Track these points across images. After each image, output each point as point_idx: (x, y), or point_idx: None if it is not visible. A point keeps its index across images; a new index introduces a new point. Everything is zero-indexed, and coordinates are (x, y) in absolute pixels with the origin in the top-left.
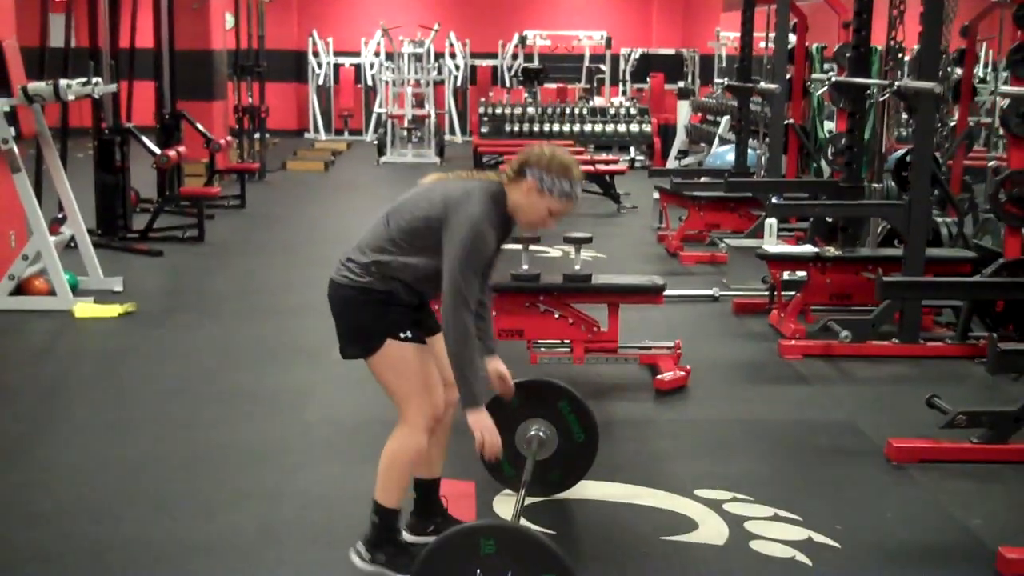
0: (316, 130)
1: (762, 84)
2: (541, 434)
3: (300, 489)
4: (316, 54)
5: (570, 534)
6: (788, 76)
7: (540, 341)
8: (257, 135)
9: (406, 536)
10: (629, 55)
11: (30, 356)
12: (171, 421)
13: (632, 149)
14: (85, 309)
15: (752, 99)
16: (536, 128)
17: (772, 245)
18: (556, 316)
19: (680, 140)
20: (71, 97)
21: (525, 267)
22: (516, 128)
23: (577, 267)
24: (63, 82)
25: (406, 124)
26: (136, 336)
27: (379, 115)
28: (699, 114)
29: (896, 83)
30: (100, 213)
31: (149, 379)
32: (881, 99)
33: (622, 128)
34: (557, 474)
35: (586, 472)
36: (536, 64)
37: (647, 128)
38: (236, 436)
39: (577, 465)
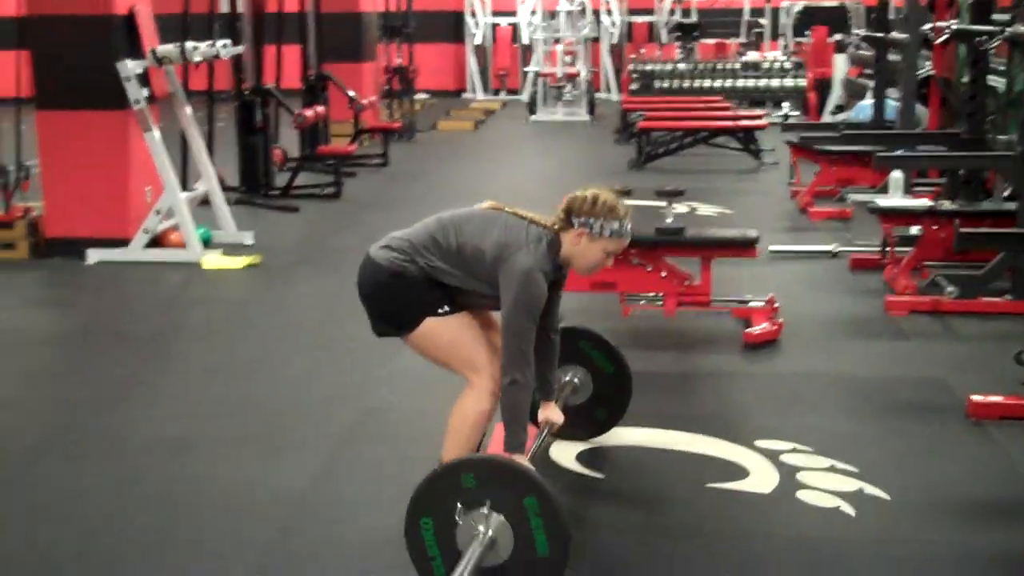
0: (473, 90)
1: (893, 33)
2: (576, 380)
3: (385, 431)
4: (473, 14)
5: (618, 478)
6: (929, 25)
7: (632, 294)
8: (406, 96)
9: None
10: (790, 8)
11: (153, 304)
12: (271, 366)
13: (785, 105)
14: (212, 261)
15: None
16: (687, 84)
17: (886, 198)
18: (648, 269)
19: (836, 95)
20: (197, 59)
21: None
22: (666, 85)
23: (669, 220)
24: (189, 44)
25: (557, 82)
26: (255, 286)
27: (531, 74)
28: (859, 67)
29: (1007, 29)
30: (243, 171)
31: (259, 327)
32: (991, 46)
33: (775, 83)
34: (602, 412)
35: (628, 402)
36: (692, 19)
37: (802, 83)
38: (330, 380)
39: (616, 398)
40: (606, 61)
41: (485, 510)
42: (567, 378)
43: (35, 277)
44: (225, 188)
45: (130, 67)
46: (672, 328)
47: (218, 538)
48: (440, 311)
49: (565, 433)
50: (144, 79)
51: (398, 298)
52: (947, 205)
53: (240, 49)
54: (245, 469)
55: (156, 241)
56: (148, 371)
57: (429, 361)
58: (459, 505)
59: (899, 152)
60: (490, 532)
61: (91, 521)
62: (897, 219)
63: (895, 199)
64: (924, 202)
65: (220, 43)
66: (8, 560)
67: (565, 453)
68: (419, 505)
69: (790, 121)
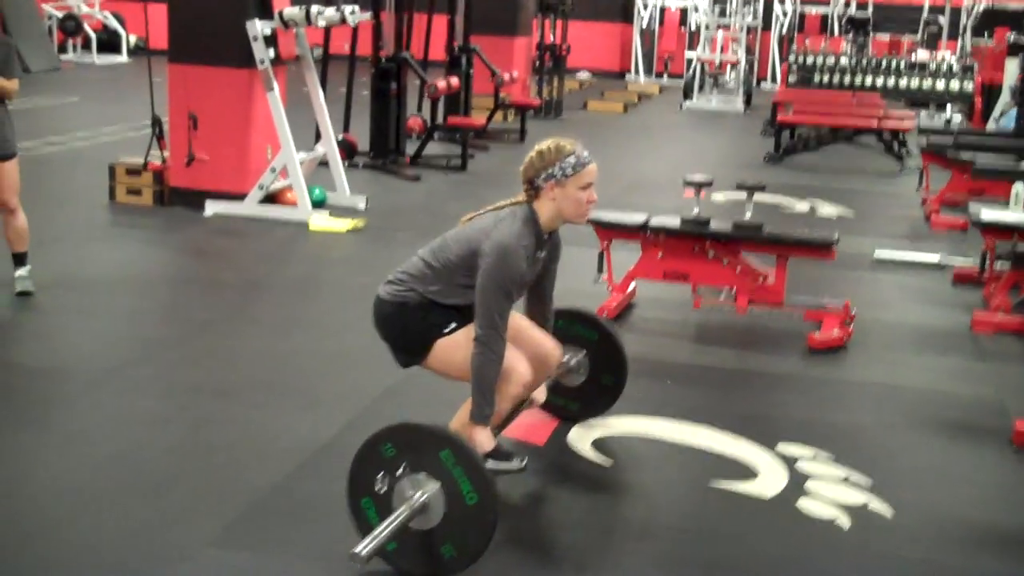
0: (636, 72)
1: None
2: (572, 362)
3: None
4: None
5: (625, 469)
6: None
7: (704, 287)
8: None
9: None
10: (972, 8)
11: (252, 258)
12: (335, 323)
13: (949, 108)
14: (320, 222)
15: None
16: (847, 80)
17: (989, 211)
18: (724, 263)
19: (1004, 100)
20: (322, 23)
21: (696, 211)
22: (826, 79)
23: (747, 215)
24: (314, 8)
25: (712, 70)
26: (353, 248)
27: (690, 59)
28: None
29: None
30: (373, 137)
31: (339, 287)
32: None
33: (940, 85)
34: (608, 377)
35: (625, 358)
36: (866, 13)
37: (969, 87)
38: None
39: (614, 359)
40: (775, 50)
41: (406, 473)
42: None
43: (154, 224)
44: (356, 152)
45: (258, 27)
46: (741, 325)
47: (224, 479)
48: (447, 330)
49: (589, 412)
50: (271, 40)
51: (406, 327)
52: None
53: (366, 16)
54: (278, 417)
55: (272, 198)
56: (223, 319)
57: (454, 381)
58: (385, 475)
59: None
60: (419, 492)
61: (108, 453)
62: (999, 233)
63: (1001, 212)
64: None
65: (347, 9)
66: (33, 483)
67: (583, 439)
68: (354, 487)
69: (951, 126)
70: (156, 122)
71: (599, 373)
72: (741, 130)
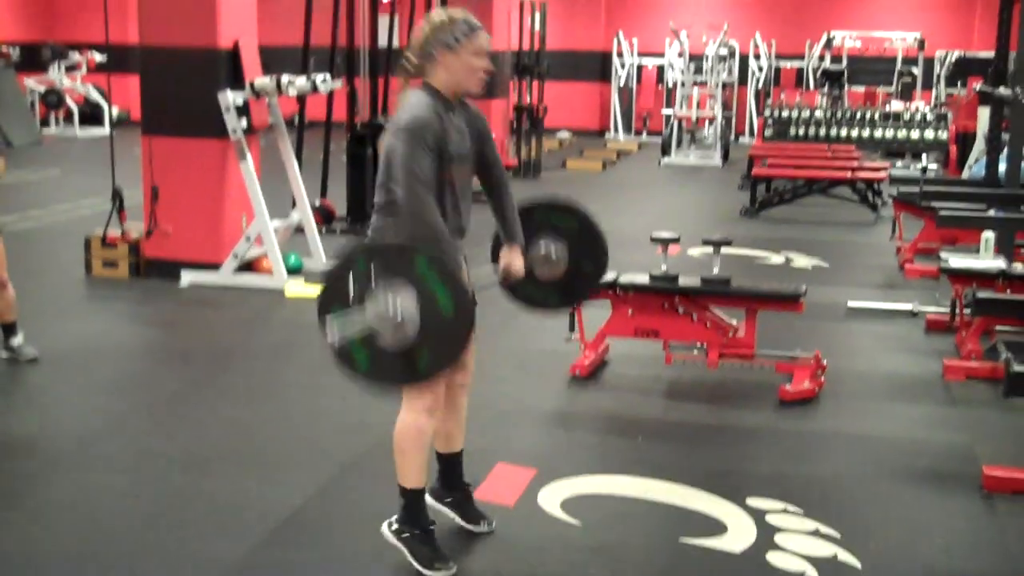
0: (616, 130)
1: (1001, 89)
2: (549, 250)
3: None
4: (620, 55)
5: (595, 528)
6: None
7: (675, 343)
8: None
9: (428, 499)
10: (945, 57)
11: (226, 327)
12: (305, 391)
13: (924, 157)
14: (295, 288)
15: None
16: (822, 132)
17: (957, 258)
18: (693, 318)
19: (978, 148)
20: (293, 92)
21: (664, 268)
22: (801, 132)
23: (715, 270)
24: (284, 78)
25: (689, 126)
26: None
27: (668, 116)
28: (1006, 121)
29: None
30: (350, 202)
31: (313, 352)
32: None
33: (915, 135)
34: (588, 264)
35: (605, 247)
36: (840, 66)
37: (943, 136)
38: (355, 409)
39: (593, 246)
40: (751, 105)
41: (380, 282)
42: (541, 252)
43: (130, 295)
44: (333, 218)
45: (230, 97)
46: (713, 379)
47: (193, 552)
48: None
49: (568, 300)
50: (243, 109)
51: None
52: (1020, 268)
53: (337, 84)
54: (246, 488)
55: (248, 266)
56: (193, 389)
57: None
58: (358, 285)
59: (991, 213)
60: (394, 296)
61: (78, 528)
62: (968, 280)
63: (968, 259)
64: (998, 264)
65: (319, 77)
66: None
67: (552, 499)
68: (324, 302)
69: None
70: (117, 194)
71: (579, 261)
72: (719, 184)
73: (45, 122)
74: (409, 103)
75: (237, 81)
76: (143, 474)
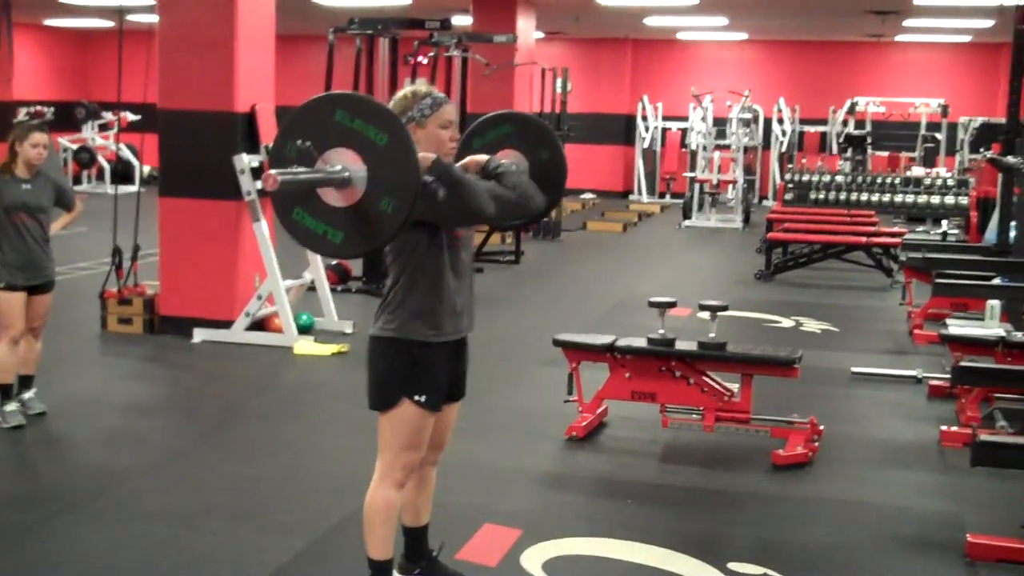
0: (639, 192)
1: (1009, 158)
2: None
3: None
4: (645, 118)
5: None
6: None
7: (672, 406)
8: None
9: (395, 574)
10: (968, 123)
11: (234, 384)
12: (304, 449)
13: (945, 223)
14: (304, 347)
15: None
16: (843, 196)
17: (957, 325)
18: (689, 383)
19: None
20: None
21: (661, 332)
22: (822, 196)
23: (712, 335)
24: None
25: (709, 189)
26: (336, 372)
27: (689, 179)
28: None
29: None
30: (365, 262)
31: (318, 411)
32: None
33: (936, 200)
34: (545, 152)
35: (550, 131)
36: (863, 131)
37: (964, 201)
38: (351, 468)
39: (540, 136)
40: (775, 169)
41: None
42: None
43: (142, 352)
44: (349, 277)
45: (245, 161)
46: (709, 443)
47: None
48: (417, 397)
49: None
50: (258, 172)
51: (386, 365)
52: (1019, 336)
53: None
54: (233, 544)
55: (260, 324)
56: (195, 446)
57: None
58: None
59: (996, 281)
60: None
61: None
62: (967, 348)
63: (969, 327)
64: (997, 332)
65: None
66: None
67: (534, 560)
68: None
69: (948, 240)
70: (116, 252)
71: (536, 152)
72: (738, 247)
73: (77, 180)
74: None
75: (253, 144)
76: (136, 528)
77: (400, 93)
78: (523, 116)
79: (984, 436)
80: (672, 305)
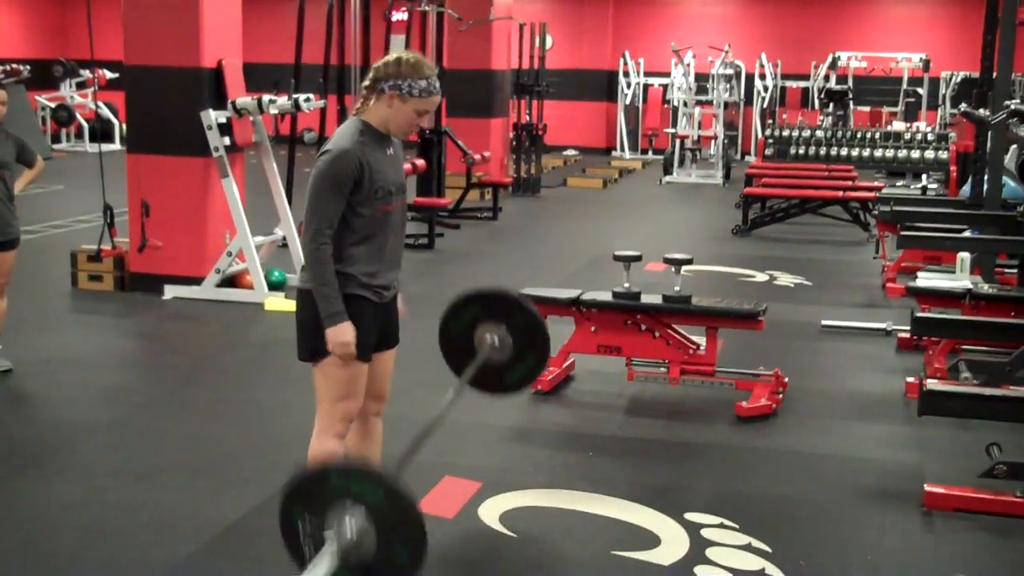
0: (622, 148)
1: (981, 111)
2: (497, 338)
3: None
4: (627, 74)
5: (529, 540)
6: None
7: (638, 360)
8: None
9: None
10: (950, 78)
11: (202, 341)
12: (266, 404)
13: (925, 177)
14: (275, 303)
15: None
16: (822, 151)
17: (929, 278)
18: (655, 336)
19: None
20: (274, 111)
21: (626, 285)
22: (801, 151)
23: (677, 288)
24: (266, 97)
25: (690, 144)
26: None
27: (671, 135)
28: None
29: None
30: None
31: (284, 368)
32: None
33: (916, 154)
34: (532, 359)
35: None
36: (845, 86)
37: (944, 155)
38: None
39: (539, 338)
40: (757, 125)
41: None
42: (487, 337)
43: (113, 309)
44: None
45: (212, 116)
46: (675, 396)
47: (123, 561)
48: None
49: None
50: (226, 128)
51: (313, 314)
52: (986, 288)
53: (320, 103)
54: (191, 500)
55: (232, 281)
56: (159, 402)
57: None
58: (308, 538)
59: (966, 233)
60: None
61: (21, 535)
62: (934, 300)
63: (937, 279)
64: (964, 284)
65: (301, 97)
66: None
67: (492, 511)
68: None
69: (928, 195)
70: (107, 209)
71: (510, 320)
72: (717, 203)
73: (56, 138)
74: (340, 136)
75: (220, 100)
76: (95, 484)
77: (405, 56)
78: (486, 292)
79: (931, 385)
80: (637, 259)
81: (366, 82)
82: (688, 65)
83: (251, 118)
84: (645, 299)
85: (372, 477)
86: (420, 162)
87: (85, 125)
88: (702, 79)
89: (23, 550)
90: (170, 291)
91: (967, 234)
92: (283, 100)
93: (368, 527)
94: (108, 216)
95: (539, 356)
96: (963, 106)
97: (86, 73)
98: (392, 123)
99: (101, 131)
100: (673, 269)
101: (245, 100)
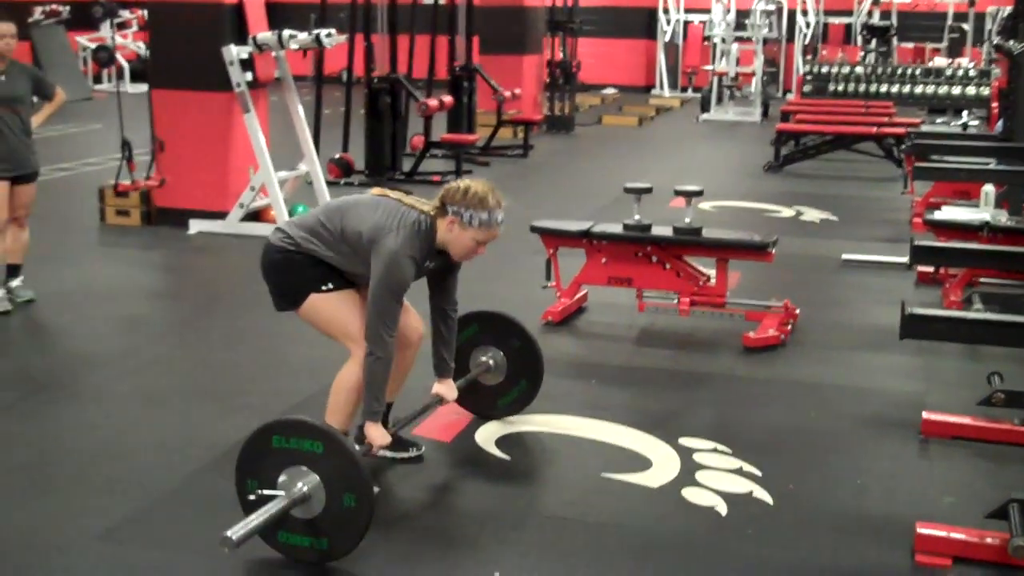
0: (661, 86)
1: (1011, 43)
2: (491, 361)
3: None
4: (667, 10)
5: (523, 462)
6: None
7: (648, 291)
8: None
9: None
10: (996, 13)
11: (223, 273)
12: (278, 336)
13: (965, 114)
14: None
15: None
16: (861, 88)
17: (950, 211)
18: (665, 267)
19: None
20: (294, 46)
21: (637, 217)
22: (840, 88)
23: (688, 220)
24: (286, 32)
25: (728, 81)
26: None
27: (709, 72)
28: None
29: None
30: (368, 155)
31: None
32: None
33: (957, 91)
34: (525, 384)
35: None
36: (887, 22)
37: (985, 92)
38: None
39: (534, 362)
40: (799, 61)
41: (288, 465)
42: (483, 358)
43: (138, 242)
44: (352, 171)
45: (234, 52)
46: (685, 327)
47: (126, 479)
48: (324, 288)
49: (503, 411)
50: (248, 63)
51: (286, 275)
52: (1004, 221)
53: (342, 39)
54: (197, 423)
55: (256, 216)
56: (175, 331)
57: (319, 332)
58: (269, 465)
59: (990, 165)
60: (300, 484)
61: (32, 455)
62: (952, 233)
63: (958, 212)
64: (982, 216)
65: (323, 32)
66: None
67: (489, 436)
68: (241, 473)
69: (968, 131)
70: (125, 144)
71: (506, 342)
72: (754, 140)
73: (98, 79)
74: (405, 240)
75: (241, 36)
76: (104, 408)
77: (475, 188)
78: (486, 314)
79: (912, 309)
80: (647, 191)
81: (436, 199)
82: (729, 0)
83: (273, 53)
84: (655, 231)
85: (312, 432)
86: (447, 99)
87: (126, 65)
88: (743, 16)
89: (28, 470)
90: (195, 225)
91: (992, 166)
92: (304, 35)
93: (315, 480)
94: (127, 151)
95: (532, 382)
96: (997, 39)
97: (126, 14)
98: (451, 246)
99: (142, 71)
100: (685, 201)
101: (266, 35)
